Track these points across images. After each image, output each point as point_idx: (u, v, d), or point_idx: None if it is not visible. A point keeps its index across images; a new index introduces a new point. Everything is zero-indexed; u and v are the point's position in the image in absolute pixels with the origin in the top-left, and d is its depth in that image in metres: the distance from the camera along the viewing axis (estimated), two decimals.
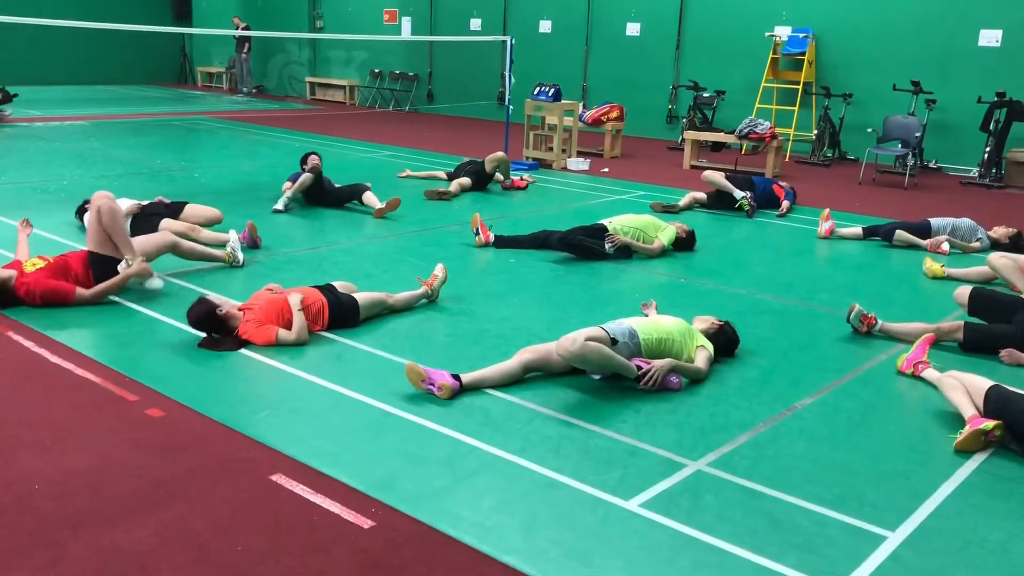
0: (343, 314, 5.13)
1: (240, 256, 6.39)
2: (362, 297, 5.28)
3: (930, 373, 4.65)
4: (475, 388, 4.31)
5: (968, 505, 3.45)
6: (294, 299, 4.96)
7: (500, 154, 9.90)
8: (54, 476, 3.41)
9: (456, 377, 4.25)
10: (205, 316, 4.79)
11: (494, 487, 3.44)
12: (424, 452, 3.70)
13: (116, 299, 5.48)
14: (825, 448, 3.89)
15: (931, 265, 6.88)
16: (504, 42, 16.75)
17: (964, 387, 4.20)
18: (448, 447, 3.75)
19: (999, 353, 5.07)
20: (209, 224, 7.15)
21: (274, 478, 3.44)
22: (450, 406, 4.13)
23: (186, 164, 11.07)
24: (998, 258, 6.14)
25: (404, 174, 10.58)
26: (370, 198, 8.41)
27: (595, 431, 3.95)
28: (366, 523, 3.15)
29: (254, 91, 21.63)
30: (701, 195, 9.32)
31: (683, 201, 9.19)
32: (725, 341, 4.84)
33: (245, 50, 20.76)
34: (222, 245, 6.54)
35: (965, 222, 7.89)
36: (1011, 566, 3.06)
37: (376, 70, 20.14)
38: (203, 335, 4.83)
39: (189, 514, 3.18)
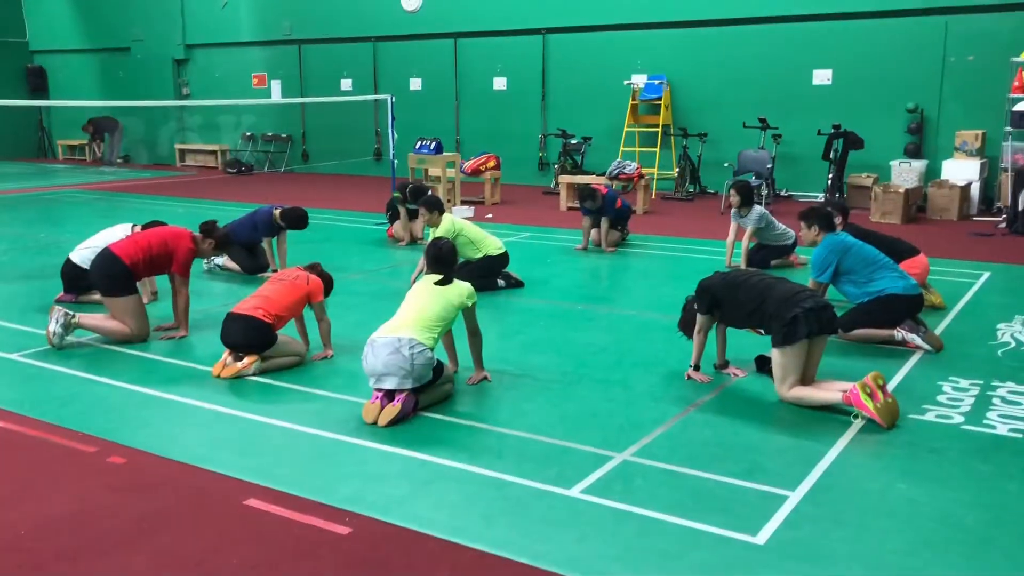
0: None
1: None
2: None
3: None
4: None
5: (850, 465, 4.10)
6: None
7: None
8: (36, 521, 3.61)
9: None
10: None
11: (450, 491, 3.85)
12: (380, 470, 4.07)
13: (40, 363, 5.62)
14: (727, 433, 4.49)
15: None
16: (376, 101, 17.38)
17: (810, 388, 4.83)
18: (401, 463, 4.13)
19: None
20: None
21: (248, 503, 3.75)
22: (395, 430, 4.51)
23: (72, 236, 10.94)
24: None
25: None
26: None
27: (530, 438, 4.42)
28: (344, 530, 3.51)
29: (119, 161, 21.32)
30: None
31: None
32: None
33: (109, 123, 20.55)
34: None
35: None
36: (888, 508, 3.70)
37: (248, 133, 20.27)
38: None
39: (178, 540, 3.46)
